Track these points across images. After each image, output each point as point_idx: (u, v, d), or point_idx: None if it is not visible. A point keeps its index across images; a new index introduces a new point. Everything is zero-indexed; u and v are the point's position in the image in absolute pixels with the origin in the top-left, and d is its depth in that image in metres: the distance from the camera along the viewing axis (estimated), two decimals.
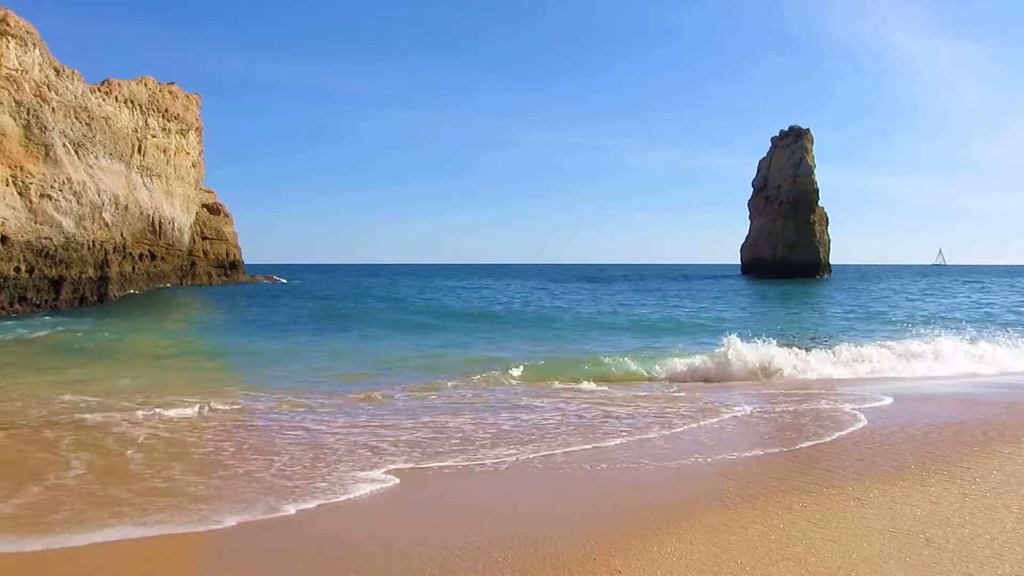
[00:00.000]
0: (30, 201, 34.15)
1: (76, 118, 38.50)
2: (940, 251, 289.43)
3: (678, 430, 9.52)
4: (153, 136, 46.70)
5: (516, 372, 15.08)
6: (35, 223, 34.26)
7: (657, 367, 15.89)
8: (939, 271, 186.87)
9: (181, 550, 5.29)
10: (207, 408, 10.47)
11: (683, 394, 12.88)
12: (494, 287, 72.77)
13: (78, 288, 35.50)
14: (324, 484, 6.70)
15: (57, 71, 37.59)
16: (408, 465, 7.54)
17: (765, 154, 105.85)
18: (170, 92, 49.53)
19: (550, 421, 10.15)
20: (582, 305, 42.13)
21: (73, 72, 39.01)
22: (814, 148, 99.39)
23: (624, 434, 9.29)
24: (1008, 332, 19.75)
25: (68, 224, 35.79)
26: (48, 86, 36.61)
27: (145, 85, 46.62)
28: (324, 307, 39.22)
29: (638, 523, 5.74)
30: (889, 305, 41.81)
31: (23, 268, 33.33)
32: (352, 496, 6.40)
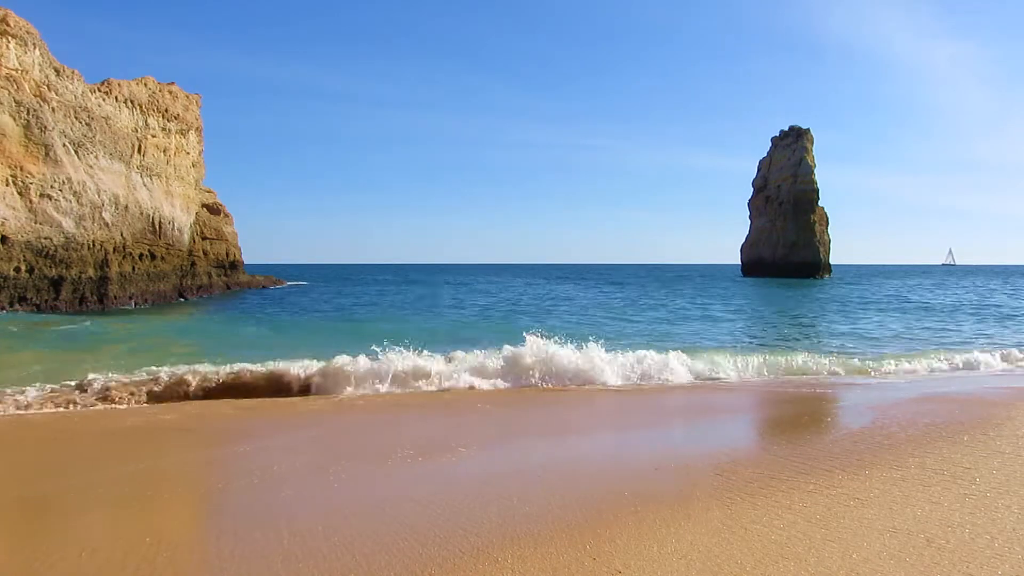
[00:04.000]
0: (30, 201, 34.14)
1: (76, 118, 38.47)
2: (950, 251, 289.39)
3: None
4: (153, 136, 46.64)
5: None
6: (35, 223, 34.24)
7: None
8: (947, 271, 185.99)
9: None
10: None
11: None
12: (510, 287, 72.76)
13: (78, 288, 35.48)
14: None
15: (57, 71, 37.55)
16: None
17: (765, 154, 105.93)
18: (170, 92, 49.46)
19: None
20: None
21: (73, 72, 38.97)
22: (814, 148, 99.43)
23: None
24: None
25: (68, 224, 35.77)
26: (48, 86, 36.58)
27: (145, 85, 46.55)
28: None
29: (638, 523, 5.74)
30: (884, 321, 33.28)
31: (23, 268, 33.32)
32: None
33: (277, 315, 36.74)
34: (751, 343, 23.43)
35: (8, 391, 12.17)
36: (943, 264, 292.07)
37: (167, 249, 45.89)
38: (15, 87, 34.17)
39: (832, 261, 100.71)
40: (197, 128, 53.02)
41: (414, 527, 5.71)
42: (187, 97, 51.91)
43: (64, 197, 35.72)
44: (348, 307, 44.32)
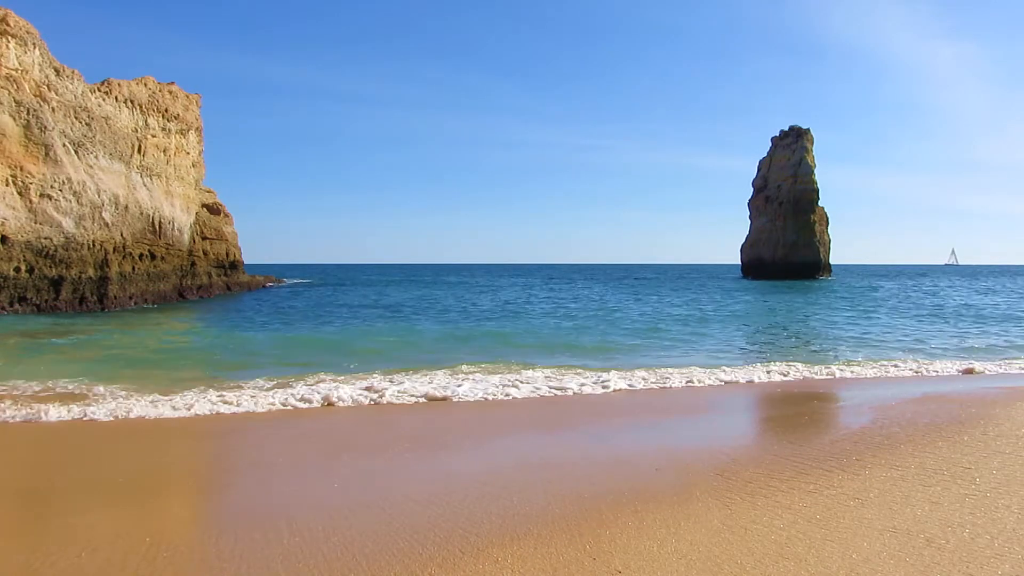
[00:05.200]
0: (30, 201, 34.13)
1: (76, 118, 38.47)
2: (953, 251, 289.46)
3: None
4: (153, 136, 46.64)
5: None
6: (35, 223, 34.23)
7: None
8: (947, 271, 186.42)
9: None
10: None
11: None
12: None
13: (78, 288, 35.47)
14: None
15: (57, 71, 37.55)
16: None
17: (765, 154, 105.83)
18: (170, 92, 49.45)
19: None
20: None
21: (73, 72, 38.97)
22: (814, 148, 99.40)
23: None
24: None
25: (68, 224, 35.76)
26: (48, 86, 36.58)
27: (145, 85, 46.54)
28: None
29: (638, 523, 5.74)
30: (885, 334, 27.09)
31: (23, 268, 33.31)
32: None
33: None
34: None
35: None
36: (946, 264, 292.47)
37: (167, 249, 45.89)
38: (15, 87, 34.16)
39: (833, 261, 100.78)
40: (197, 128, 53.02)
41: (414, 527, 5.72)
42: (187, 97, 51.92)
43: (64, 197, 35.72)
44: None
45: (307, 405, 11.89)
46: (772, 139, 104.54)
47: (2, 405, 11.35)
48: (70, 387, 13.58)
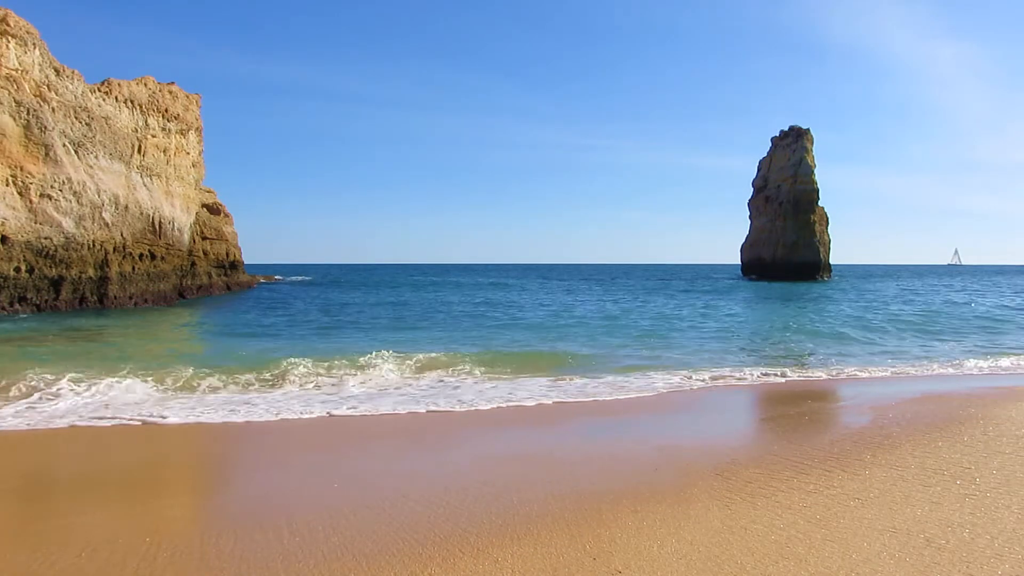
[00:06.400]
0: (30, 201, 34.13)
1: (76, 118, 38.46)
2: (956, 251, 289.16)
3: None
4: (153, 136, 46.61)
5: None
6: (35, 223, 34.23)
7: None
8: (952, 271, 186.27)
9: None
10: None
11: None
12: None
13: (78, 288, 35.47)
14: None
15: (57, 71, 37.54)
16: None
17: (765, 154, 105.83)
18: (170, 92, 49.43)
19: None
20: None
21: (73, 72, 38.95)
22: (814, 148, 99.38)
23: None
24: None
25: (68, 224, 35.76)
26: (48, 86, 36.57)
27: (145, 85, 46.51)
28: None
29: (638, 523, 5.74)
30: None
31: (23, 268, 33.31)
32: None
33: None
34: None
35: None
36: (949, 264, 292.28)
37: (167, 249, 45.86)
38: (15, 87, 34.15)
39: (834, 261, 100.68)
40: (197, 128, 52.98)
41: (414, 527, 5.72)
42: (187, 97, 51.89)
43: (64, 197, 35.71)
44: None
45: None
46: (772, 139, 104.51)
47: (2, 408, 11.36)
48: (64, 387, 13.58)
